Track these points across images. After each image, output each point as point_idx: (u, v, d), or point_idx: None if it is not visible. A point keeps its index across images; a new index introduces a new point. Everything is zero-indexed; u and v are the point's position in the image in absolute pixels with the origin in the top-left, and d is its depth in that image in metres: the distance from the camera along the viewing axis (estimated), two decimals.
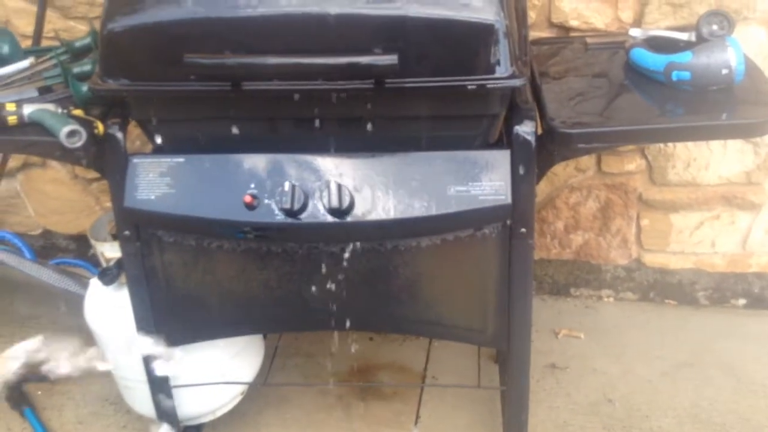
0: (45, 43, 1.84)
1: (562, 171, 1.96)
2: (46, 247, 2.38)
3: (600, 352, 1.95)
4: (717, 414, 1.75)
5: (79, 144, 1.26)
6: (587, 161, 1.94)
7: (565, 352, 1.96)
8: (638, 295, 2.12)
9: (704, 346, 1.95)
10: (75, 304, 1.83)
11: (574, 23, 1.75)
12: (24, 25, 1.94)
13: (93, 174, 2.21)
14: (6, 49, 1.43)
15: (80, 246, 2.38)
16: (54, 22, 1.94)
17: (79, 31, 1.95)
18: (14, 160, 2.18)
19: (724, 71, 1.22)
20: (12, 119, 1.31)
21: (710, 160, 1.87)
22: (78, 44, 1.47)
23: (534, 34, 1.73)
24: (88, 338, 2.05)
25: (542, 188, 1.99)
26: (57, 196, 2.29)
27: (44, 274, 1.78)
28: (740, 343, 1.95)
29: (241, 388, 1.69)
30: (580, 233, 2.05)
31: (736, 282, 2.04)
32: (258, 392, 1.79)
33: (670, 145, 1.87)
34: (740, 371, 1.86)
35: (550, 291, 2.18)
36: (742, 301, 2.07)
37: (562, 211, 2.02)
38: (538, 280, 2.15)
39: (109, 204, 2.21)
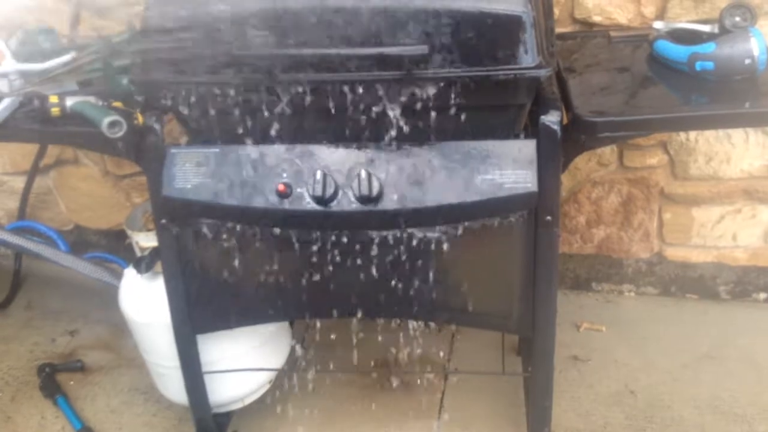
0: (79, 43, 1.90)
1: (584, 165, 1.98)
2: (77, 242, 2.44)
3: (621, 345, 1.97)
4: (738, 406, 1.76)
5: (120, 134, 1.31)
6: (609, 156, 1.96)
7: (587, 345, 1.99)
8: (659, 290, 2.14)
9: (725, 340, 1.96)
10: (106, 297, 1.88)
11: (597, 19, 1.78)
12: (61, 25, 1.99)
13: (124, 170, 2.27)
14: (48, 44, 1.48)
15: (111, 241, 2.44)
16: (88, 20, 2.00)
17: (111, 28, 2.00)
18: (47, 157, 2.24)
19: (747, 61, 1.25)
20: (55, 111, 1.36)
21: (732, 154, 1.89)
22: (116, 40, 1.51)
23: (557, 30, 1.76)
24: (117, 330, 2.11)
25: (564, 183, 2.02)
26: (88, 193, 2.34)
27: (79, 266, 1.83)
28: (762, 337, 1.96)
29: (269, 377, 1.73)
30: (602, 227, 2.07)
31: (758, 276, 2.06)
32: (285, 382, 1.83)
33: (692, 139, 1.89)
34: (762, 364, 1.87)
35: (572, 286, 2.20)
36: (763, 295, 2.08)
37: (584, 206, 2.05)
38: (560, 274, 2.17)
39: (138, 200, 2.29)
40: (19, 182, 2.32)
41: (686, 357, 1.92)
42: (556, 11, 1.79)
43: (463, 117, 1.26)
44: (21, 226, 2.13)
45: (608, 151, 1.96)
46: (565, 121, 1.28)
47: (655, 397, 1.81)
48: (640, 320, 2.06)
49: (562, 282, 2.18)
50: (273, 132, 1.30)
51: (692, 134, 1.88)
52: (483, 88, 1.20)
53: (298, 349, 1.82)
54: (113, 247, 2.38)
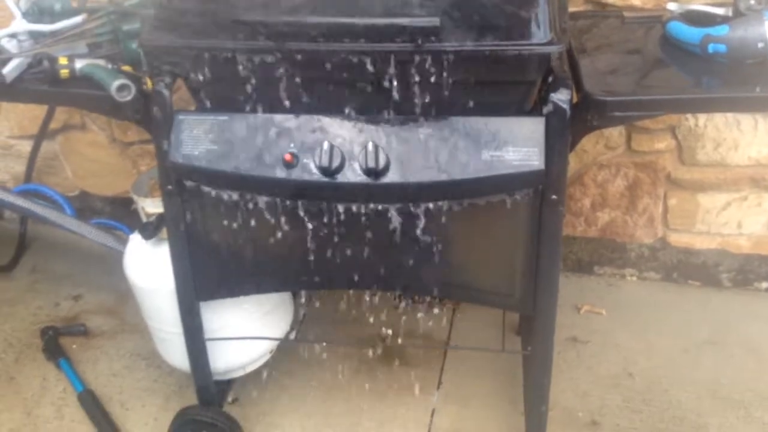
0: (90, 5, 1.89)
1: (591, 148, 1.98)
2: (82, 208, 2.44)
3: (621, 328, 1.98)
4: (736, 391, 1.77)
5: (128, 98, 1.31)
6: (617, 139, 1.95)
7: (587, 327, 1.99)
8: (661, 275, 2.14)
9: (726, 326, 1.97)
10: (111, 263, 1.90)
11: None
12: None
13: (130, 138, 2.27)
14: (58, 6, 1.48)
15: (115, 208, 2.45)
16: None
17: None
18: (54, 122, 2.24)
19: (760, 45, 1.24)
20: (64, 72, 1.36)
21: (740, 141, 1.88)
22: (127, 4, 1.51)
23: (570, 9, 1.74)
24: (121, 296, 2.13)
25: (571, 165, 2.00)
26: (95, 159, 2.35)
27: (85, 230, 1.83)
28: (762, 325, 1.97)
29: (271, 346, 1.75)
30: (606, 211, 2.07)
31: (761, 264, 2.05)
32: (285, 354, 1.85)
33: (701, 125, 1.88)
34: (761, 351, 1.88)
35: (574, 268, 2.20)
36: (765, 284, 2.08)
37: (590, 188, 2.05)
38: (563, 257, 2.17)
39: (144, 168, 2.30)
40: (26, 146, 2.32)
41: (686, 342, 1.92)
42: None
43: (472, 92, 1.25)
44: (27, 189, 2.14)
45: (616, 135, 1.95)
46: (575, 100, 1.28)
47: (653, 381, 1.82)
48: (642, 305, 2.07)
49: (564, 264, 2.19)
50: (281, 101, 1.30)
51: (701, 120, 1.88)
52: (493, 62, 1.19)
53: (300, 321, 1.83)
54: (118, 215, 2.39)
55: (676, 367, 1.85)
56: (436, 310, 2.04)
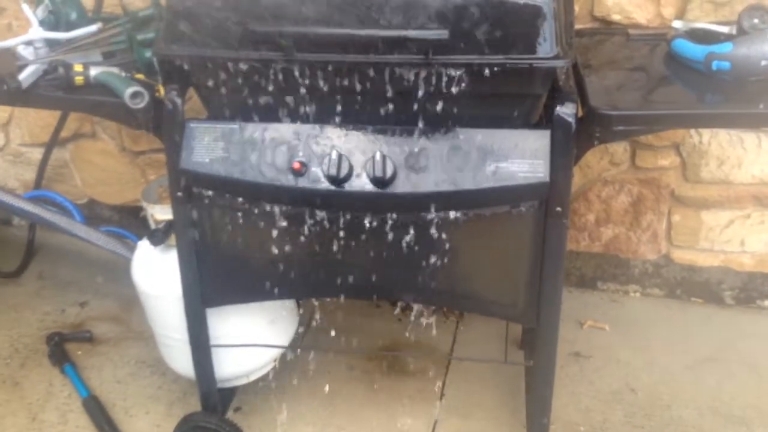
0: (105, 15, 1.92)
1: (596, 164, 2.00)
2: (90, 216, 2.47)
3: (624, 344, 1.99)
4: (737, 408, 1.78)
5: (141, 105, 1.34)
6: (622, 155, 1.97)
7: (590, 342, 2.00)
8: (665, 292, 2.15)
9: (728, 344, 1.97)
10: (117, 271, 1.91)
11: (616, 17, 1.79)
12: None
13: (140, 147, 2.30)
14: (74, 15, 1.51)
15: (123, 217, 2.47)
16: None
17: (133, 5, 2.03)
18: (65, 131, 2.27)
19: (764, 62, 1.26)
20: (79, 80, 1.39)
21: (744, 159, 1.89)
22: (141, 14, 1.54)
23: (576, 27, 1.77)
24: (127, 304, 2.14)
25: (576, 180, 2.03)
26: (105, 167, 2.38)
27: (94, 237, 1.86)
28: (764, 343, 1.97)
29: (275, 355, 1.75)
30: (610, 227, 2.08)
31: (764, 282, 2.06)
32: (289, 364, 1.85)
33: (705, 142, 1.90)
34: (763, 369, 1.88)
35: (577, 284, 2.21)
36: (767, 302, 2.09)
37: (594, 204, 2.06)
38: (566, 272, 2.18)
39: (153, 177, 2.32)
40: (37, 154, 2.35)
41: (688, 359, 1.93)
42: (576, 8, 1.80)
43: (479, 104, 1.27)
44: (37, 195, 2.16)
45: (620, 151, 1.97)
46: (580, 114, 1.30)
47: (655, 397, 1.82)
48: (644, 321, 2.07)
49: (568, 280, 2.20)
50: (291, 110, 1.32)
51: (705, 137, 1.90)
52: (500, 75, 1.21)
53: (304, 330, 1.84)
54: (126, 223, 2.41)
55: (678, 383, 1.85)
56: (437, 321, 2.05)
